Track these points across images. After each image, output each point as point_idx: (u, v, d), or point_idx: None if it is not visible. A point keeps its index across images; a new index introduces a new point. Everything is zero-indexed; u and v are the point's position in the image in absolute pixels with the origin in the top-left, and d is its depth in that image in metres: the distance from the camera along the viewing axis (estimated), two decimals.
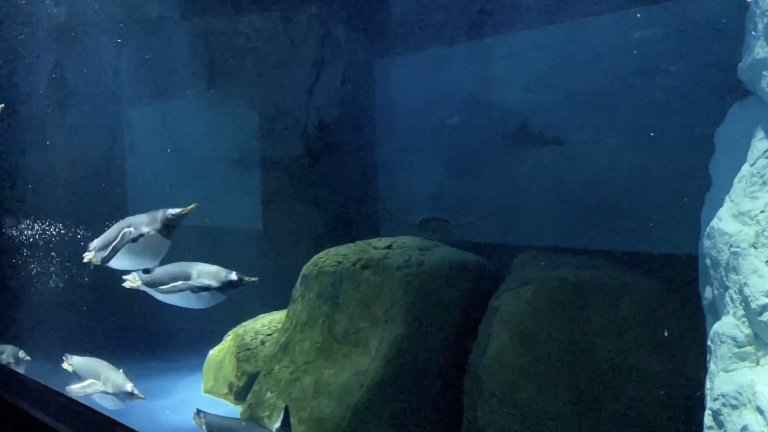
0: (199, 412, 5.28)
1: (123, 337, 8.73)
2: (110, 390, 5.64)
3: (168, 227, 4.60)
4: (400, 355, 5.66)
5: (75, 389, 5.72)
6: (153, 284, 5.31)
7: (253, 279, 5.39)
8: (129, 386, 5.65)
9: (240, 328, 7.55)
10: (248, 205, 9.37)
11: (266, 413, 6.05)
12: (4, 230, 9.33)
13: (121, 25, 9.31)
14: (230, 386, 7.21)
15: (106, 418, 2.11)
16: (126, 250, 4.64)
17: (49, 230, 9.38)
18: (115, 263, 4.80)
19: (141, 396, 5.65)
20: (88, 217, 9.42)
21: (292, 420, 5.86)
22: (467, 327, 5.68)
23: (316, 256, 6.46)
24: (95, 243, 4.95)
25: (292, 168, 8.99)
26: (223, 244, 9.36)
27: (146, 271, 4.95)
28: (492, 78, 7.68)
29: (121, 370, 5.91)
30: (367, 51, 8.91)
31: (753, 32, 4.53)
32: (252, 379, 6.81)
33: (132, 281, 5.37)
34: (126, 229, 4.61)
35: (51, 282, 9.12)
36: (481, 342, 5.46)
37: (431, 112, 8.13)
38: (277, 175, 9.14)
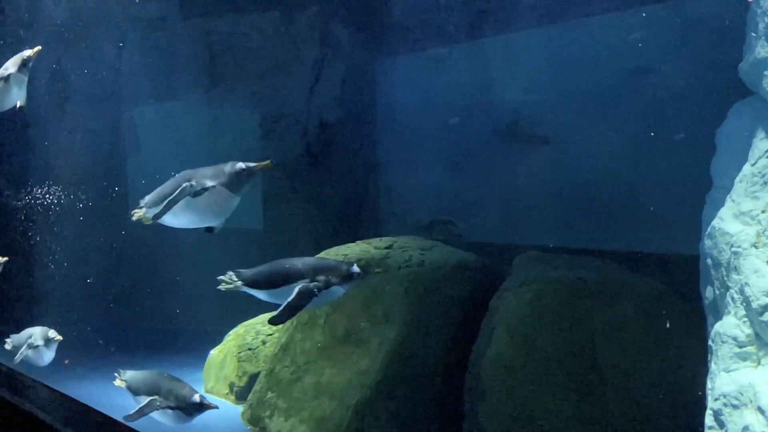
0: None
1: (123, 337, 8.74)
2: (174, 404, 4.82)
3: (237, 182, 4.02)
4: (401, 354, 5.66)
5: (132, 416, 4.87)
6: (257, 284, 4.58)
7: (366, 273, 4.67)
8: (197, 397, 4.79)
9: (241, 328, 7.55)
10: (249, 205, 9.37)
11: (267, 413, 6.05)
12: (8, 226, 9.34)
13: (121, 24, 9.31)
14: (231, 386, 7.20)
15: (106, 418, 2.11)
16: (185, 206, 4.09)
17: (51, 231, 9.39)
18: (171, 220, 4.25)
19: (213, 406, 4.84)
20: (88, 218, 9.43)
21: (293, 420, 5.87)
22: (468, 326, 5.67)
23: (316, 256, 6.46)
24: (147, 198, 4.36)
25: (292, 168, 8.99)
26: (224, 244, 9.36)
27: (209, 230, 4.35)
28: (493, 78, 7.68)
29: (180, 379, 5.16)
30: (368, 51, 8.91)
31: (754, 32, 4.53)
32: (253, 378, 6.81)
33: (228, 282, 4.60)
34: (186, 183, 4.04)
35: (51, 282, 9.12)
36: (482, 342, 5.46)
37: (432, 112, 8.14)
38: (277, 175, 9.14)
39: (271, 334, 7.22)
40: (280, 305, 4.44)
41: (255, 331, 7.38)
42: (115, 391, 6.76)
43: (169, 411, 4.82)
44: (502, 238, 7.30)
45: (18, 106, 5.21)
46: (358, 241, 6.57)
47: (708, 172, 5.09)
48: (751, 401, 3.93)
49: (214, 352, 7.60)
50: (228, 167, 4.02)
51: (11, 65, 5.11)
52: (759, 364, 4.12)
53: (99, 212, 9.50)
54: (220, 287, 4.60)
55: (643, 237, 6.14)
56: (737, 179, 4.52)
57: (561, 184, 6.88)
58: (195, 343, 8.17)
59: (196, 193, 4.02)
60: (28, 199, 9.63)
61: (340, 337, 5.94)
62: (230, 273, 4.55)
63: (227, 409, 6.81)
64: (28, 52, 5.10)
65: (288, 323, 6.52)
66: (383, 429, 5.57)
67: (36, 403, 2.35)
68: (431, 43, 8.25)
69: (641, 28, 6.29)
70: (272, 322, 4.40)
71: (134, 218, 4.41)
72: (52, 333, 6.24)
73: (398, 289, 5.83)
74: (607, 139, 6.54)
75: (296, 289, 4.24)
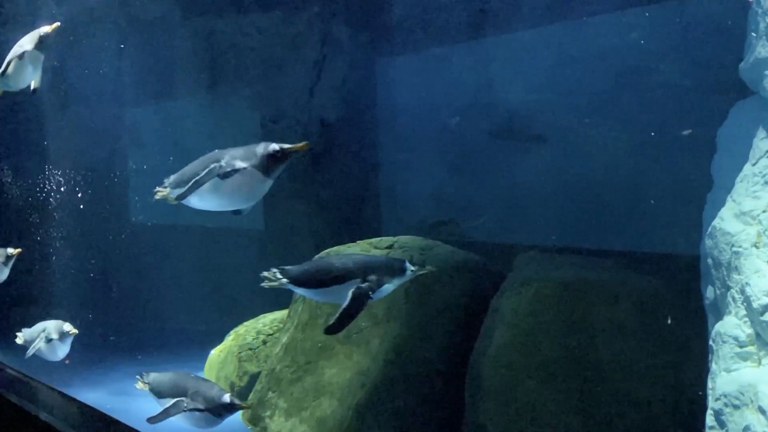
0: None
1: (124, 337, 8.75)
2: (203, 406, 4.50)
3: (270, 164, 3.75)
4: (402, 354, 5.66)
5: (157, 418, 4.60)
6: (304, 282, 4.27)
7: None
8: (227, 397, 4.49)
9: (241, 328, 7.55)
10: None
11: (268, 413, 6.05)
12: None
13: (121, 24, 9.31)
14: (232, 386, 7.20)
15: (106, 417, 2.11)
16: (213, 188, 3.82)
17: (54, 230, 9.39)
18: (197, 202, 3.98)
19: (245, 405, 4.64)
20: (88, 217, 9.43)
21: (294, 420, 5.87)
22: (469, 326, 5.67)
23: (316, 256, 6.45)
24: (172, 177, 4.12)
25: (293, 167, 8.97)
26: (225, 244, 9.37)
27: (237, 212, 4.07)
28: (494, 78, 7.68)
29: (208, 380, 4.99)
30: (369, 50, 8.91)
31: (754, 32, 4.53)
32: (254, 378, 6.81)
33: (272, 279, 4.32)
34: (214, 164, 3.79)
35: (51, 282, 9.13)
36: (483, 341, 5.46)
37: (433, 111, 8.14)
38: (278, 175, 9.13)
39: (271, 334, 7.22)
40: (328, 303, 4.28)
41: (255, 330, 7.38)
42: (116, 391, 6.80)
43: (197, 413, 4.52)
44: (503, 238, 7.30)
45: (32, 88, 4.86)
46: (358, 241, 6.57)
47: (708, 171, 5.10)
48: (752, 401, 3.93)
49: (215, 352, 7.60)
50: (261, 148, 3.77)
51: (27, 42, 4.71)
52: (760, 364, 4.11)
53: (99, 212, 9.51)
54: (263, 284, 4.32)
55: (644, 237, 6.14)
56: (738, 179, 4.52)
57: (562, 184, 6.88)
58: (195, 342, 8.17)
59: (226, 174, 3.76)
60: (27, 194, 9.64)
61: (341, 337, 5.93)
62: (274, 270, 4.29)
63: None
64: (45, 29, 4.70)
65: (288, 323, 6.52)
66: (384, 429, 5.57)
67: (38, 404, 2.35)
68: (432, 43, 8.25)
69: (641, 28, 6.29)
70: (329, 331, 4.03)
71: (156, 197, 4.18)
72: (68, 326, 6.02)
73: (399, 289, 5.82)
74: (608, 139, 6.55)
75: (350, 293, 3.96)
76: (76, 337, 6.12)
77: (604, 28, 6.64)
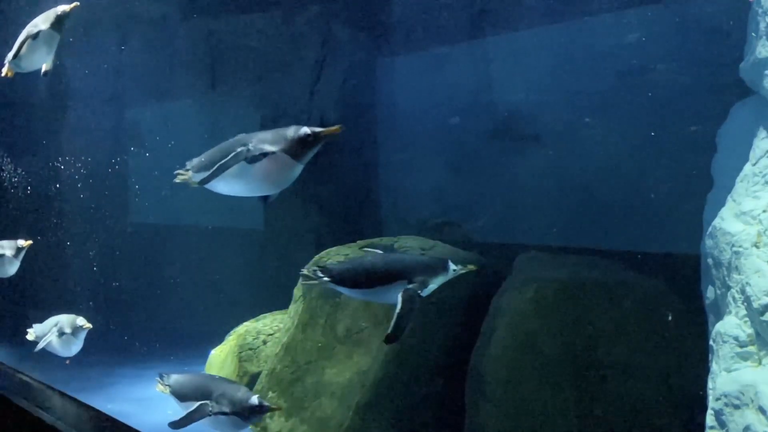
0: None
1: (124, 337, 8.74)
2: (228, 409, 4.22)
3: (300, 148, 3.54)
4: (402, 354, 5.66)
5: (179, 422, 4.32)
6: (347, 282, 4.11)
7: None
8: (255, 399, 4.21)
9: (242, 328, 7.55)
10: (249, 205, 9.37)
11: (268, 413, 6.05)
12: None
13: (122, 24, 9.31)
14: None
15: (107, 417, 2.11)
16: (240, 172, 3.61)
17: (55, 230, 9.38)
18: (222, 187, 3.77)
19: (275, 407, 4.35)
20: (88, 217, 9.43)
21: (294, 420, 5.87)
22: (469, 326, 5.67)
23: (317, 256, 6.45)
24: (195, 160, 3.92)
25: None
26: (226, 244, 9.37)
27: (265, 199, 3.87)
28: (494, 78, 7.68)
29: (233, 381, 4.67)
30: (369, 51, 8.91)
31: (754, 32, 4.53)
32: (254, 378, 6.81)
33: (311, 277, 4.14)
34: (242, 147, 3.58)
35: (51, 281, 9.12)
36: (483, 341, 5.46)
37: (433, 111, 8.13)
38: None
39: (272, 334, 7.23)
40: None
41: (256, 331, 7.39)
42: (117, 390, 6.78)
43: (222, 417, 4.23)
44: (504, 238, 7.29)
45: (44, 70, 4.67)
46: (359, 241, 6.57)
47: (709, 171, 5.10)
48: (752, 401, 3.93)
49: (215, 352, 7.60)
50: (291, 132, 3.56)
51: (42, 21, 4.46)
52: (760, 363, 4.11)
53: (99, 211, 9.51)
54: (302, 282, 4.21)
55: (644, 237, 6.13)
56: (738, 179, 4.52)
57: (562, 184, 6.88)
58: (196, 342, 8.17)
59: (254, 159, 3.53)
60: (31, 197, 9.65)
61: (341, 337, 5.94)
62: (314, 267, 4.14)
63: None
64: (64, 7, 4.42)
65: (289, 323, 6.52)
66: (384, 429, 5.57)
67: (39, 404, 2.35)
68: (432, 43, 8.25)
69: (641, 28, 6.29)
70: (389, 341, 3.83)
71: (176, 181, 3.94)
72: (81, 320, 5.75)
73: None
74: (608, 139, 6.54)
75: (400, 296, 3.80)
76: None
77: (604, 28, 6.64)
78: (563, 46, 6.95)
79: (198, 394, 4.41)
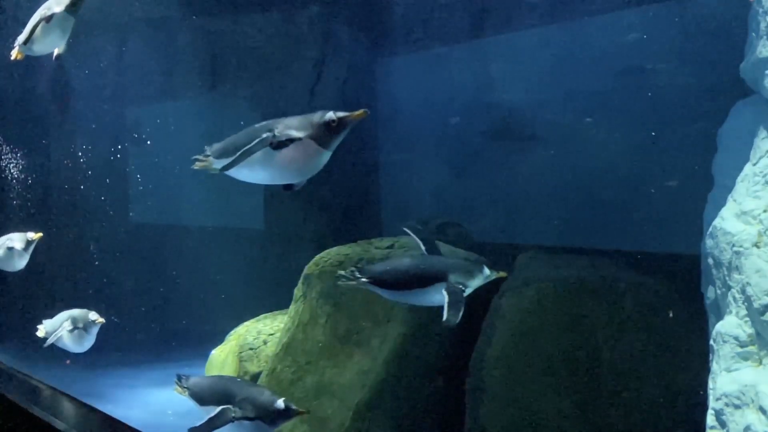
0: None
1: (125, 337, 8.74)
2: (252, 414, 3.98)
3: (327, 134, 3.41)
4: (403, 354, 5.65)
5: (200, 428, 4.04)
6: (385, 283, 4.01)
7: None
8: (281, 402, 3.98)
9: (242, 328, 7.55)
10: (250, 205, 9.37)
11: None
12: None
13: (122, 24, 9.32)
14: None
15: (107, 417, 2.11)
16: (264, 159, 3.46)
17: (56, 229, 9.38)
18: (245, 174, 3.62)
19: (302, 411, 4.07)
20: (89, 217, 9.44)
21: (294, 420, 5.85)
22: (469, 326, 5.66)
23: (317, 256, 6.45)
24: (216, 146, 3.79)
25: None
26: (226, 244, 9.37)
27: (288, 187, 3.69)
28: (494, 78, 7.68)
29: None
30: (369, 51, 8.91)
31: (755, 31, 4.53)
32: (254, 379, 6.80)
33: (349, 278, 4.04)
34: (267, 133, 3.43)
35: (52, 280, 9.12)
36: (484, 341, 5.46)
37: (434, 111, 8.13)
38: None
39: (272, 334, 7.23)
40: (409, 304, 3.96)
41: (256, 330, 7.39)
42: (117, 390, 6.75)
43: (246, 422, 3.98)
44: (506, 238, 7.30)
45: (56, 54, 4.56)
46: (359, 241, 6.57)
47: (709, 171, 5.10)
48: (752, 401, 3.93)
49: (216, 352, 7.60)
50: (317, 117, 3.41)
51: (55, 3, 4.32)
52: (760, 363, 4.11)
53: (99, 212, 9.52)
54: (340, 283, 4.12)
55: (645, 236, 6.13)
56: (739, 179, 4.51)
57: (564, 184, 6.88)
58: (196, 342, 8.17)
59: (279, 145, 3.39)
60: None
61: (342, 337, 5.94)
62: (352, 268, 4.07)
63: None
64: None
65: (289, 323, 6.52)
66: (384, 429, 5.57)
67: (39, 404, 2.35)
68: (432, 43, 8.25)
69: (641, 28, 6.29)
70: (449, 325, 3.66)
71: (195, 167, 3.79)
72: (93, 315, 5.61)
73: None
74: (610, 138, 6.54)
75: (445, 293, 3.74)
76: None
77: (605, 28, 6.64)
78: (563, 45, 6.95)
79: (219, 398, 4.17)
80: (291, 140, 3.37)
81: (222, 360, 7.45)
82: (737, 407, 4.02)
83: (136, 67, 9.52)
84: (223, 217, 9.51)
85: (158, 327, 9.12)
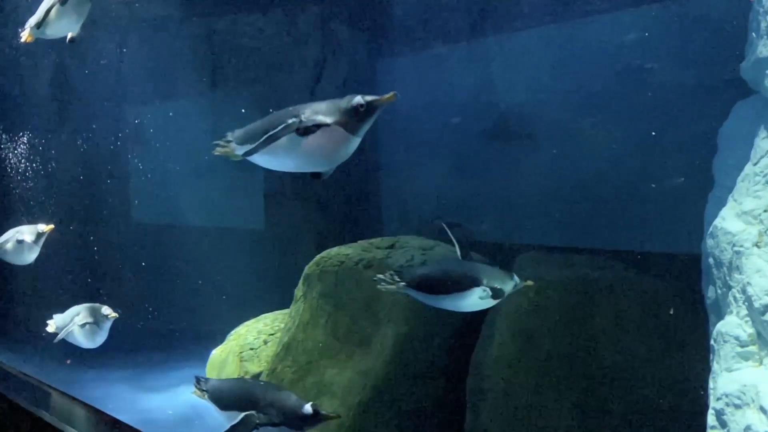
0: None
1: (125, 337, 8.74)
2: (278, 419, 3.75)
3: (356, 120, 3.31)
4: (403, 354, 5.66)
5: None
6: (423, 287, 4.04)
7: None
8: (309, 407, 3.76)
9: (242, 328, 7.55)
10: (251, 205, 9.38)
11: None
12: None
13: (123, 24, 9.32)
14: None
15: (108, 417, 2.11)
16: (289, 146, 3.31)
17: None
18: (269, 161, 3.46)
19: (332, 415, 3.88)
20: (89, 217, 9.44)
21: None
22: (470, 326, 5.67)
23: (318, 256, 6.46)
24: (238, 132, 3.63)
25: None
26: (227, 244, 9.38)
27: (316, 175, 3.54)
28: (495, 78, 7.68)
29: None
30: (369, 51, 8.91)
31: (755, 31, 4.53)
32: (255, 378, 6.81)
33: (389, 282, 4.02)
34: (293, 119, 3.29)
35: (52, 279, 9.12)
36: (484, 341, 5.46)
37: (434, 111, 8.13)
38: (279, 175, 9.15)
39: (272, 334, 7.23)
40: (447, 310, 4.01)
41: (257, 330, 7.39)
42: (118, 391, 6.74)
43: (271, 429, 3.77)
44: (506, 238, 7.30)
45: (70, 37, 4.46)
46: (359, 241, 6.57)
47: (710, 171, 5.10)
48: (753, 401, 3.93)
49: (216, 352, 7.60)
50: (344, 102, 3.32)
51: None
52: (761, 363, 4.11)
53: (99, 212, 9.52)
54: (379, 287, 4.11)
55: (646, 236, 6.14)
56: (739, 178, 4.51)
57: (564, 184, 6.88)
58: (197, 342, 8.18)
59: (306, 131, 3.26)
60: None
61: (342, 337, 5.94)
62: (391, 272, 4.06)
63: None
64: None
65: (290, 322, 6.53)
66: (385, 429, 5.57)
67: (40, 404, 2.35)
68: (432, 43, 8.25)
69: (641, 28, 6.29)
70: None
71: (215, 152, 3.65)
72: (106, 309, 5.41)
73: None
74: (610, 138, 6.55)
75: (485, 291, 3.88)
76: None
77: (605, 28, 6.64)
78: (564, 45, 6.95)
79: (242, 403, 3.93)
80: (318, 126, 3.26)
81: (222, 360, 7.46)
82: (738, 407, 4.02)
83: (134, 67, 9.54)
84: (223, 217, 9.52)
85: (159, 327, 9.13)
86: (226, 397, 4.10)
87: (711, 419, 4.25)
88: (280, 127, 3.27)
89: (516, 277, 4.01)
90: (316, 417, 3.74)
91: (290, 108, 3.37)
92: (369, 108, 3.32)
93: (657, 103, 6.13)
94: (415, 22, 8.19)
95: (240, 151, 3.52)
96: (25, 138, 9.59)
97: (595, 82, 6.59)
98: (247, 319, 7.68)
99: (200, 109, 9.70)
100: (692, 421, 4.60)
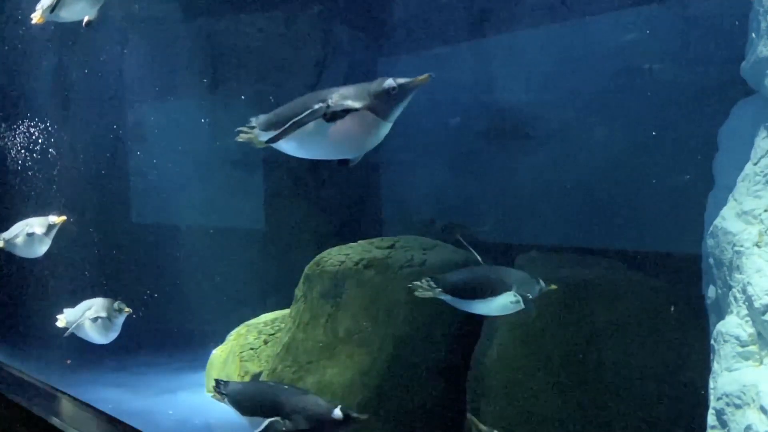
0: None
1: (125, 336, 8.74)
2: (306, 425, 3.52)
3: (387, 104, 3.13)
4: (403, 354, 5.66)
5: None
6: (458, 292, 4.08)
7: None
8: (338, 411, 3.54)
9: (243, 328, 7.55)
10: (251, 205, 9.38)
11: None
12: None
13: (123, 24, 9.32)
14: None
15: (109, 418, 2.11)
16: (316, 132, 3.15)
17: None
18: (294, 148, 3.30)
19: (364, 417, 3.62)
20: (89, 216, 9.44)
21: None
22: (470, 326, 5.67)
23: (318, 256, 6.46)
24: (262, 117, 3.48)
25: (294, 168, 8.99)
26: (227, 244, 9.37)
27: (343, 162, 3.36)
28: (495, 78, 7.68)
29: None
30: (369, 51, 8.91)
31: (755, 31, 4.53)
32: (255, 378, 6.81)
33: (425, 288, 4.04)
34: (320, 104, 3.14)
35: (51, 279, 9.12)
36: (484, 341, 5.46)
37: (434, 111, 8.13)
38: (279, 175, 9.15)
39: (273, 334, 7.23)
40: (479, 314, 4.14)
41: (257, 330, 7.39)
42: (119, 390, 6.72)
43: None
44: (506, 238, 7.30)
45: (86, 20, 4.35)
46: (359, 241, 6.57)
47: (710, 170, 5.10)
48: (753, 401, 3.93)
49: (217, 352, 7.60)
50: (374, 86, 3.15)
51: None
52: (761, 363, 4.11)
53: (100, 211, 9.52)
54: (416, 293, 4.16)
55: (646, 236, 6.14)
56: (739, 178, 4.51)
57: (564, 184, 6.88)
58: (197, 342, 8.18)
59: (333, 116, 3.11)
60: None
61: (342, 337, 5.94)
62: (427, 278, 4.12)
63: (229, 409, 6.80)
64: None
65: (290, 322, 6.53)
66: (385, 429, 5.57)
67: (41, 404, 2.35)
68: (432, 43, 8.25)
69: (641, 28, 6.29)
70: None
71: (239, 139, 3.48)
72: (119, 304, 5.24)
73: (400, 288, 5.82)
74: (610, 138, 6.55)
75: (517, 297, 4.04)
76: (75, 337, 5.61)
77: (606, 27, 6.64)
78: (564, 45, 6.95)
79: (265, 408, 3.70)
80: (347, 111, 3.10)
81: (223, 360, 7.46)
82: (738, 407, 4.02)
83: (135, 67, 9.54)
84: (223, 217, 9.51)
85: (159, 327, 9.12)
86: (248, 402, 3.91)
87: (711, 419, 4.25)
88: (306, 113, 3.15)
89: (542, 282, 4.16)
90: (347, 422, 3.55)
91: (316, 92, 3.25)
92: (401, 91, 3.16)
93: (657, 103, 6.13)
94: (415, 21, 8.19)
95: (264, 137, 3.38)
96: (32, 129, 9.60)
97: (595, 82, 6.59)
98: (247, 319, 7.68)
99: (200, 109, 9.70)
100: (692, 420, 4.60)
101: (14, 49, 9.20)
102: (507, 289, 4.03)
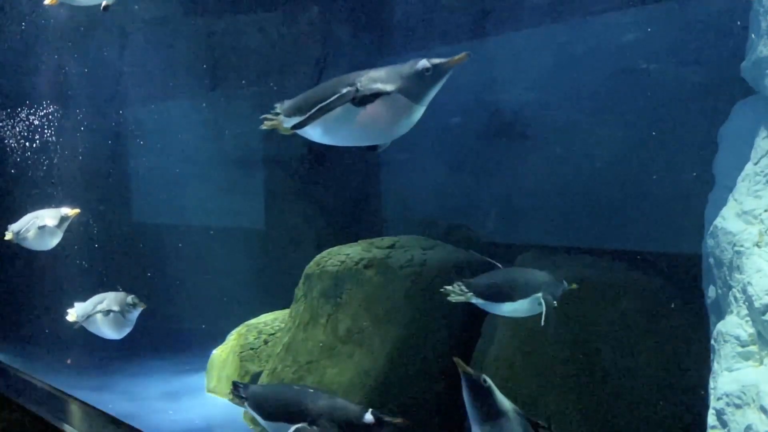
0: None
1: (126, 336, 8.74)
2: (334, 431, 3.32)
3: (420, 86, 3.06)
4: (404, 354, 5.66)
5: None
6: (489, 296, 4.09)
7: None
8: (369, 416, 3.39)
9: (243, 328, 7.56)
10: (251, 205, 9.38)
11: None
12: None
13: (123, 24, 9.33)
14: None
15: (110, 418, 2.11)
16: (344, 117, 2.98)
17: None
18: (321, 134, 3.14)
19: (397, 420, 3.48)
20: (89, 216, 9.44)
21: None
22: (470, 326, 5.67)
23: (318, 256, 6.47)
24: (287, 103, 3.33)
25: (294, 167, 9.00)
26: (227, 244, 9.38)
27: (372, 148, 3.23)
28: (496, 77, 7.67)
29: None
30: (370, 51, 8.91)
31: (755, 31, 4.53)
32: (255, 378, 6.82)
33: (458, 293, 4.06)
34: (348, 88, 2.96)
35: (51, 278, 9.12)
36: (484, 341, 5.46)
37: (434, 111, 8.12)
38: (279, 175, 9.15)
39: (273, 334, 7.23)
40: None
41: (257, 330, 7.40)
42: (119, 390, 6.73)
43: None
44: (506, 238, 7.30)
45: (104, 4, 4.27)
46: (360, 241, 6.58)
47: (710, 170, 5.10)
48: (753, 401, 3.93)
49: (217, 352, 7.61)
50: (407, 67, 3.07)
51: None
52: (761, 363, 4.11)
53: (100, 212, 9.52)
54: (449, 298, 4.15)
55: (646, 236, 6.13)
56: (740, 178, 4.51)
57: (565, 184, 6.88)
58: (198, 342, 8.18)
59: (363, 100, 2.94)
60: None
61: (343, 337, 5.94)
62: (458, 283, 4.13)
63: (229, 408, 6.81)
64: None
65: (290, 322, 6.53)
66: (386, 429, 5.56)
67: (32, 399, 2.35)
68: (433, 43, 8.25)
69: (642, 28, 6.29)
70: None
71: (264, 127, 3.34)
72: (133, 298, 5.10)
73: (400, 288, 5.83)
74: (611, 138, 6.55)
75: (542, 300, 4.11)
76: (76, 337, 5.56)
77: (606, 27, 6.64)
78: (564, 45, 6.95)
79: (290, 413, 3.45)
80: (377, 95, 2.97)
81: (223, 360, 7.46)
82: (738, 407, 4.02)
83: (135, 67, 9.55)
84: (224, 217, 9.51)
85: (159, 327, 9.12)
86: (271, 406, 3.66)
87: (711, 419, 4.25)
88: (333, 97, 2.96)
89: (565, 282, 4.26)
90: (380, 426, 3.37)
91: (345, 76, 3.06)
92: (436, 72, 3.08)
93: (657, 103, 6.13)
94: (415, 21, 8.19)
95: (288, 123, 3.23)
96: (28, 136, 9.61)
97: (595, 82, 6.59)
98: (248, 318, 7.69)
99: (201, 109, 9.70)
100: (693, 420, 4.60)
101: (14, 49, 9.21)
102: (535, 291, 4.09)
